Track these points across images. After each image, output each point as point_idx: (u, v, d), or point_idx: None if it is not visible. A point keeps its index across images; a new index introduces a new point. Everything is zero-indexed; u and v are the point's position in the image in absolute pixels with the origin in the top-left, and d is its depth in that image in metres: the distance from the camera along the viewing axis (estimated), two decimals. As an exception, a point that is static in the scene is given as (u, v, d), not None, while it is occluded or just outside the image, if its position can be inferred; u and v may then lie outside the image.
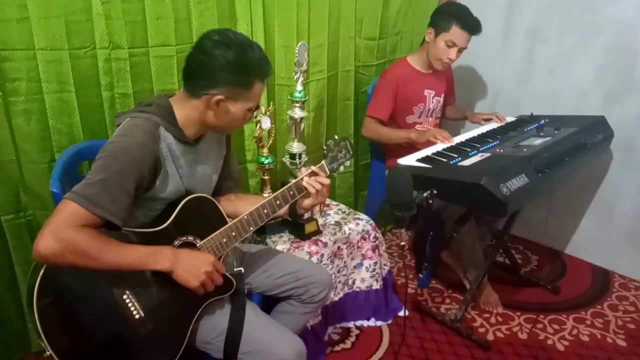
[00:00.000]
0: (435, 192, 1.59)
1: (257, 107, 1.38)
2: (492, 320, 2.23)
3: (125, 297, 1.21)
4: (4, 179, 1.59)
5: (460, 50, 2.22)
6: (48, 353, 1.13)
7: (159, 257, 1.21)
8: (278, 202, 1.44)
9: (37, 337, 1.14)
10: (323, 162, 1.55)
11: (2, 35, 1.46)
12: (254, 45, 1.30)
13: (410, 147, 2.22)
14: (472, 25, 2.17)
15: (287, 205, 1.48)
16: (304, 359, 1.37)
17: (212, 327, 1.37)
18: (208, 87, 1.27)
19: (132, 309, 1.22)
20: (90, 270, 1.14)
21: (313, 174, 1.46)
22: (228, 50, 1.24)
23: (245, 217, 1.40)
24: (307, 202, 1.47)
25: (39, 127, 1.59)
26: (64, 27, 1.55)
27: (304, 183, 1.44)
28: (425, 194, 1.56)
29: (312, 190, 1.43)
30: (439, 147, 2.07)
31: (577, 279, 2.56)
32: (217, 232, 1.36)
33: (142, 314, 1.23)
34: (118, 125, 1.31)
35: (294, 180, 1.47)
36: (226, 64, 1.24)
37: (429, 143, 2.14)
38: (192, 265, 1.24)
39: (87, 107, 1.68)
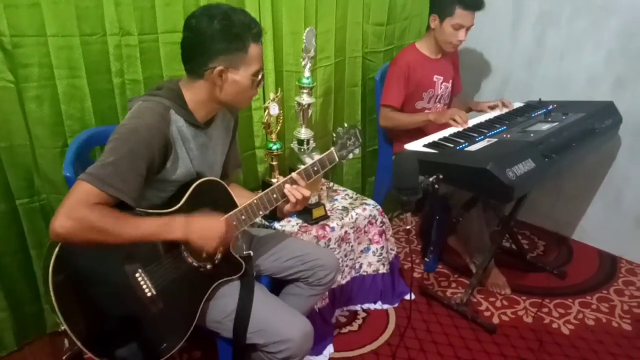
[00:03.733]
0: (441, 176, 1.61)
1: (261, 71, 1.38)
2: (498, 304, 2.25)
3: (137, 275, 1.25)
4: (17, 164, 1.62)
5: (468, 29, 2.22)
6: (63, 328, 1.17)
7: (173, 227, 1.25)
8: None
9: (52, 316, 1.18)
10: (332, 149, 1.57)
11: (13, 21, 1.48)
12: (237, 10, 1.31)
13: (419, 133, 2.23)
14: (474, 3, 2.17)
15: None
16: (310, 339, 1.40)
17: (222, 307, 1.40)
18: (206, 62, 1.29)
19: (144, 286, 1.25)
20: (105, 245, 1.17)
21: (293, 182, 1.46)
22: (213, 21, 1.26)
23: (255, 201, 1.42)
24: (287, 207, 1.48)
25: (51, 112, 1.62)
26: (74, 13, 1.56)
27: (286, 191, 1.44)
28: (431, 179, 1.58)
29: (292, 200, 1.44)
30: (446, 132, 2.08)
31: (584, 265, 2.57)
32: (227, 215, 1.39)
33: (154, 292, 1.26)
34: (130, 109, 1.34)
35: (307, 165, 1.50)
36: (214, 33, 1.26)
37: (445, 124, 2.16)
38: (205, 230, 1.28)
39: (98, 92, 1.70)
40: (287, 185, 1.44)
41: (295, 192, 1.43)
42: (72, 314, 1.17)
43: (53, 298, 1.15)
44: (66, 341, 1.23)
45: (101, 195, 1.16)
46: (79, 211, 1.13)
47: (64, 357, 1.27)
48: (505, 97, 2.53)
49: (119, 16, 1.65)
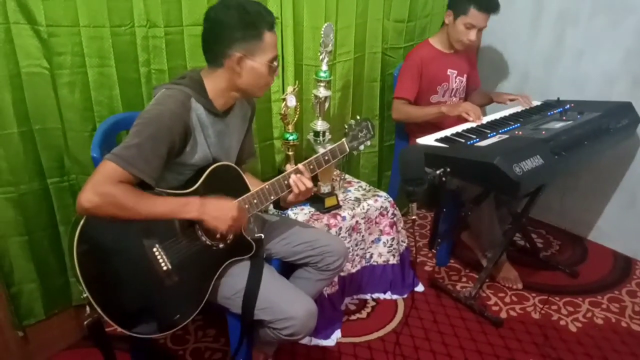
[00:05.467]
0: (448, 169, 1.65)
1: (276, 58, 1.45)
2: (507, 299, 2.28)
3: (154, 249, 1.34)
4: (49, 145, 1.73)
5: (480, 30, 2.25)
6: (85, 295, 1.27)
7: (189, 207, 1.34)
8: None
9: (77, 289, 1.28)
10: (343, 140, 1.63)
11: (50, 12, 1.58)
12: (252, 1, 1.40)
13: (434, 128, 2.27)
14: (489, 6, 2.20)
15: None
16: (313, 318, 1.47)
17: (232, 284, 1.49)
18: (224, 50, 1.38)
19: (161, 261, 1.35)
20: (126, 220, 1.27)
21: (298, 172, 1.52)
22: (229, 11, 1.35)
23: (267, 186, 1.50)
24: (290, 197, 1.54)
25: (82, 98, 1.72)
26: (105, 5, 1.66)
27: (290, 181, 1.50)
28: (438, 172, 1.63)
29: (295, 190, 1.50)
30: (459, 128, 2.11)
31: (597, 265, 2.57)
32: (240, 198, 1.47)
33: (169, 267, 1.36)
34: (154, 96, 1.43)
35: (317, 154, 1.57)
36: (231, 22, 1.35)
37: (460, 119, 2.19)
38: (219, 211, 1.37)
39: (126, 81, 1.80)
40: (293, 176, 1.51)
41: (298, 182, 1.50)
42: (93, 282, 1.27)
43: (77, 267, 1.25)
44: (88, 308, 1.31)
45: (124, 174, 1.26)
46: (104, 187, 1.23)
47: (85, 323, 1.36)
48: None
49: (147, 9, 1.74)
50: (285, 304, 1.45)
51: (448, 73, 2.39)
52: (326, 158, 1.58)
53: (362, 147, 1.68)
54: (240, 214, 1.40)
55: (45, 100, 1.67)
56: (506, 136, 1.94)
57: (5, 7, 1.52)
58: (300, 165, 1.53)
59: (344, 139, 1.63)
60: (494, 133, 2.00)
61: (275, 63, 1.46)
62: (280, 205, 1.63)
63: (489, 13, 2.22)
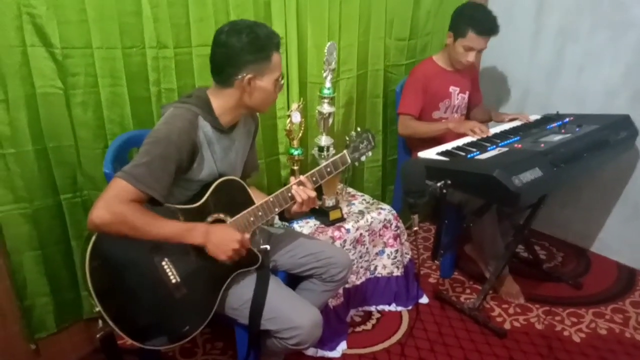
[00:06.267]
0: (449, 182, 1.70)
1: (281, 76, 1.53)
2: (511, 311, 2.30)
3: (164, 263, 1.39)
4: (63, 162, 1.79)
5: (480, 51, 2.31)
6: (97, 309, 1.32)
7: (194, 233, 1.38)
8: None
9: (88, 303, 1.33)
10: (345, 151, 1.68)
11: (64, 34, 1.65)
12: (259, 24, 1.47)
13: (436, 142, 2.31)
14: (487, 29, 2.25)
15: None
16: (319, 328, 1.51)
17: (239, 295, 1.53)
18: (237, 72, 1.44)
19: (170, 274, 1.40)
20: (134, 239, 1.32)
21: (301, 183, 1.56)
22: (241, 35, 1.41)
23: (271, 199, 1.55)
24: (294, 208, 1.58)
25: (95, 116, 1.79)
26: (117, 28, 1.74)
27: (293, 191, 1.55)
28: (439, 184, 1.67)
29: (298, 199, 1.55)
30: (460, 142, 2.16)
31: (601, 276, 2.59)
32: (245, 211, 1.52)
33: (178, 280, 1.41)
34: (163, 114, 1.49)
35: (320, 166, 1.62)
36: (243, 46, 1.41)
37: (462, 134, 2.24)
38: (221, 241, 1.40)
39: (137, 99, 1.87)
40: (294, 186, 1.55)
41: (301, 192, 1.54)
42: (105, 296, 1.32)
43: (89, 281, 1.30)
44: (100, 321, 1.36)
45: (135, 192, 1.31)
46: (116, 206, 1.28)
47: (97, 336, 1.40)
48: (525, 109, 2.61)
49: (157, 31, 1.82)
50: (292, 313, 1.49)
51: (450, 90, 2.44)
52: (328, 170, 1.63)
53: (363, 158, 1.73)
54: (241, 245, 1.43)
55: (60, 119, 1.73)
56: (506, 149, 1.99)
57: (22, 31, 1.59)
58: (302, 177, 1.58)
59: (345, 151, 1.68)
60: (494, 146, 2.04)
61: (281, 81, 1.53)
62: (286, 217, 1.67)
63: (487, 36, 2.27)
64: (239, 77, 1.44)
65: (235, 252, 1.42)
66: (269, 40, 1.46)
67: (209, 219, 1.49)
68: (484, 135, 2.20)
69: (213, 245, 1.40)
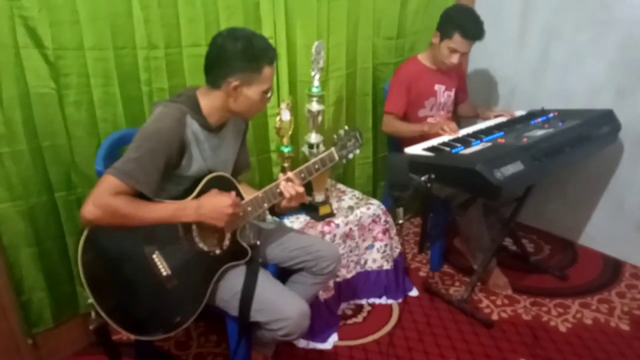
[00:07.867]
0: (433, 176, 1.75)
1: (270, 89, 1.57)
2: (499, 302, 2.35)
3: (154, 256, 1.44)
4: (57, 161, 1.84)
5: (463, 54, 2.36)
6: (90, 301, 1.37)
7: (187, 212, 1.45)
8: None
9: (84, 297, 1.38)
10: (332, 148, 1.73)
11: (57, 36, 1.70)
12: (258, 36, 1.51)
13: (423, 139, 2.36)
14: (473, 34, 2.28)
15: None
16: (306, 319, 1.56)
17: (230, 287, 1.58)
18: (225, 75, 1.48)
19: (160, 266, 1.44)
20: (128, 228, 1.37)
21: (289, 179, 1.61)
22: (236, 42, 1.45)
23: (260, 195, 1.60)
24: (283, 203, 1.63)
25: (88, 116, 1.84)
26: (109, 29, 1.78)
27: (281, 187, 1.59)
28: (423, 178, 1.72)
29: (286, 195, 1.59)
30: (446, 138, 2.21)
31: (587, 268, 2.64)
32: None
33: (169, 272, 1.45)
34: (153, 113, 1.53)
35: (308, 162, 1.66)
36: (236, 53, 1.45)
37: (439, 134, 2.29)
38: (214, 210, 1.46)
39: (129, 99, 1.91)
40: (283, 182, 1.60)
41: (289, 188, 1.59)
42: (98, 288, 1.37)
43: (82, 274, 1.35)
44: (93, 313, 1.40)
45: (123, 187, 1.36)
46: (103, 199, 1.33)
47: (90, 327, 1.44)
48: (512, 106, 2.67)
49: (148, 32, 1.86)
50: (280, 305, 1.54)
51: (435, 88, 2.49)
52: (316, 167, 1.68)
53: (350, 156, 1.77)
54: (235, 208, 1.48)
55: (53, 118, 1.78)
56: (489, 144, 2.04)
57: (15, 33, 1.64)
58: (290, 173, 1.62)
59: (332, 148, 1.73)
60: (478, 142, 2.09)
61: (268, 95, 1.57)
62: (276, 212, 1.72)
63: (473, 41, 2.31)
64: (227, 81, 1.48)
65: (232, 216, 1.47)
66: (263, 53, 1.49)
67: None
68: (453, 135, 2.23)
69: (207, 217, 1.45)
